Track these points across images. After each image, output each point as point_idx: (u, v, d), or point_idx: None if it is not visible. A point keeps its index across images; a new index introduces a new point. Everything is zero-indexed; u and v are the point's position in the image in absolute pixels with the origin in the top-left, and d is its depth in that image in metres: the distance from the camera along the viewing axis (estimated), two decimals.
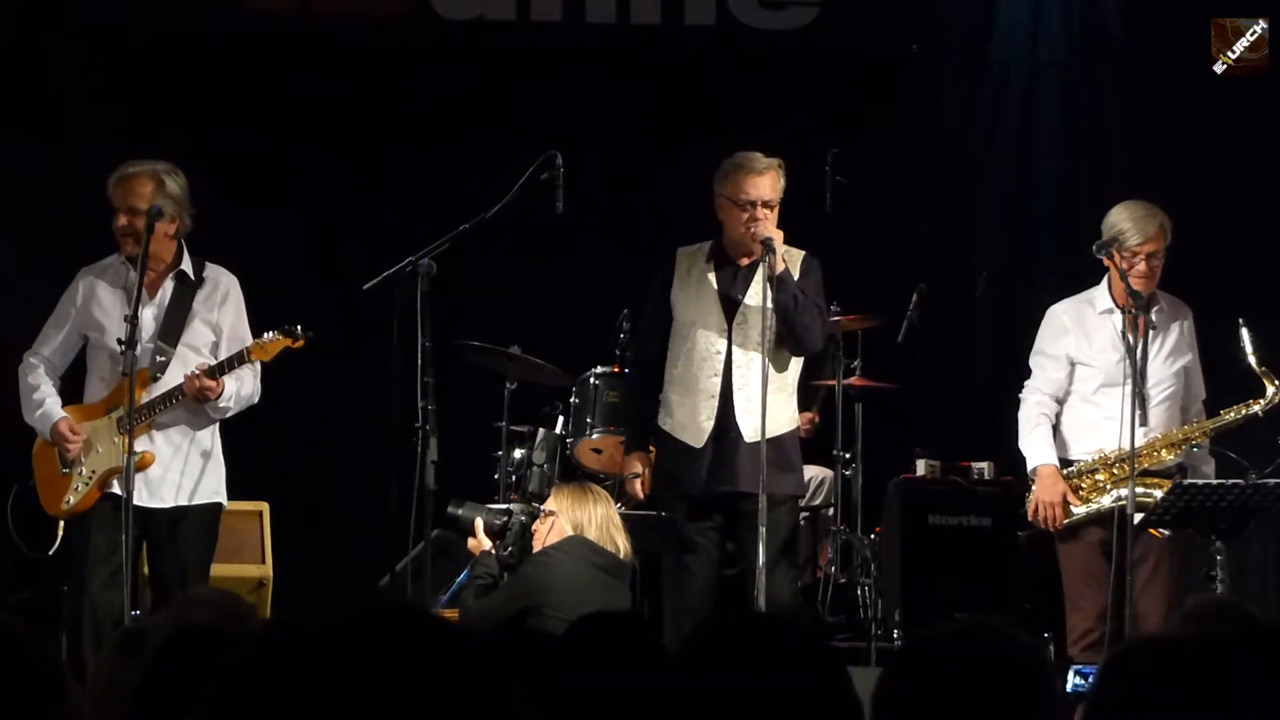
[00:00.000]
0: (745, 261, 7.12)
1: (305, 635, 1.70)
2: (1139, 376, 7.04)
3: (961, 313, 9.41)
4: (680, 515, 7.07)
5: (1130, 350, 7.17)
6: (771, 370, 6.97)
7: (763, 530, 6.75)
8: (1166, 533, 7.04)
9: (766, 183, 7.03)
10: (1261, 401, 7.17)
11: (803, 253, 7.17)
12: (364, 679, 1.66)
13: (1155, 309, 7.18)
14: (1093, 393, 7.29)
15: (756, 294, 7.00)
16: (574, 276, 9.38)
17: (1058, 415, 7.33)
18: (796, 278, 7.07)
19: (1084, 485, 7.23)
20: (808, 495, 8.36)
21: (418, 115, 9.58)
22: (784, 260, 7.01)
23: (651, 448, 7.33)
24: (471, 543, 6.94)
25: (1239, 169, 9.34)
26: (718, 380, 7.05)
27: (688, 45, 9.77)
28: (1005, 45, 9.88)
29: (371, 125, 9.57)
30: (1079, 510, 7.18)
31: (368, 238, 9.05)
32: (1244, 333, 7.13)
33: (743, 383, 7.01)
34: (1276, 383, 7.13)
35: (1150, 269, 7.19)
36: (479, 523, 6.90)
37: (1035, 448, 7.28)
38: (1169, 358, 7.28)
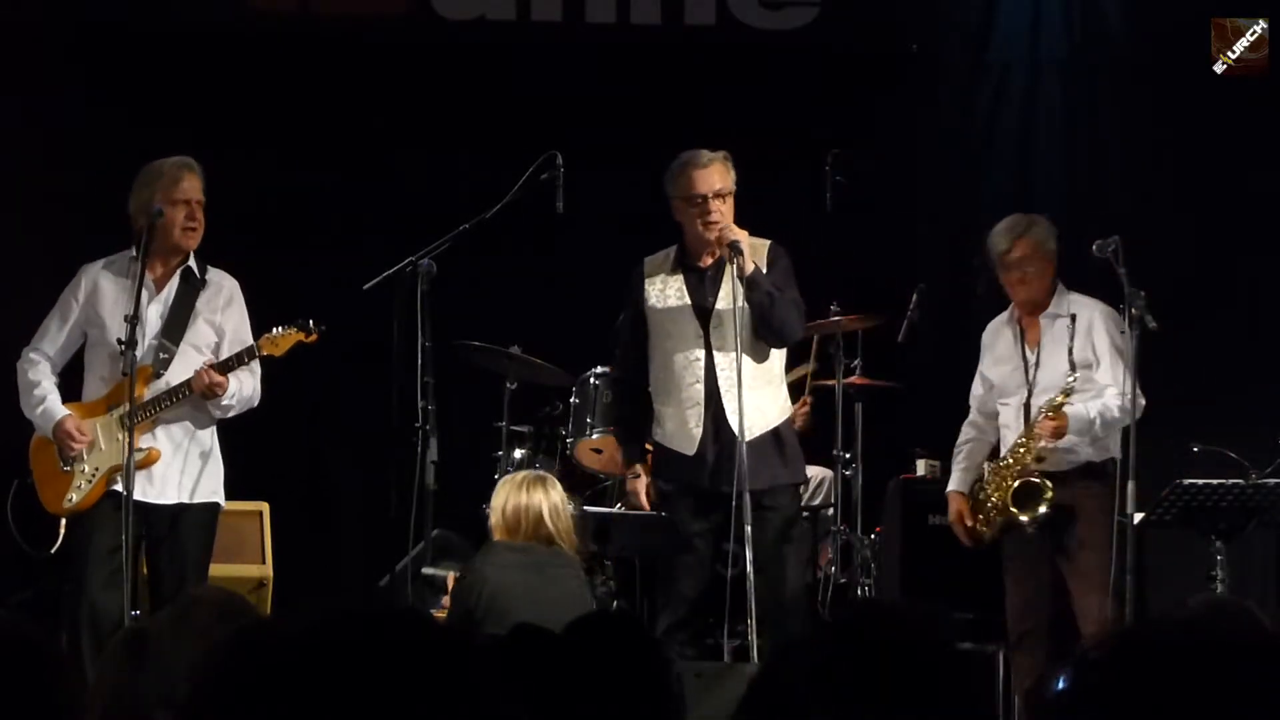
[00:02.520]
0: (709, 261, 7.07)
1: (295, 635, 1.70)
2: (1032, 386, 7.08)
3: (961, 313, 9.41)
4: (682, 515, 7.05)
5: (1025, 359, 7.22)
6: (753, 366, 6.96)
7: (748, 529, 6.71)
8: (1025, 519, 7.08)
9: (714, 174, 6.99)
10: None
11: (768, 242, 7.10)
12: (353, 680, 1.66)
13: (1049, 315, 7.18)
14: (999, 405, 7.34)
15: (727, 295, 6.96)
16: (574, 276, 9.38)
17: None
18: (765, 269, 7.02)
19: (982, 498, 7.29)
20: (807, 494, 8.34)
21: (418, 115, 9.57)
22: (753, 261, 6.96)
23: (648, 457, 7.32)
24: (445, 600, 6.93)
25: (1239, 169, 9.35)
26: (700, 387, 7.03)
27: (688, 45, 9.76)
28: (1005, 45, 9.88)
29: (371, 125, 9.57)
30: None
31: (368, 238, 9.05)
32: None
33: (728, 384, 6.97)
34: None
35: (1021, 276, 7.23)
36: (451, 579, 6.90)
37: (952, 477, 7.53)
38: (1062, 363, 7.19)
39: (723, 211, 6.96)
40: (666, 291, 7.11)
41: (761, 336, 7.00)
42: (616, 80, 9.68)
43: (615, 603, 7.60)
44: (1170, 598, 7.90)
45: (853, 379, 8.53)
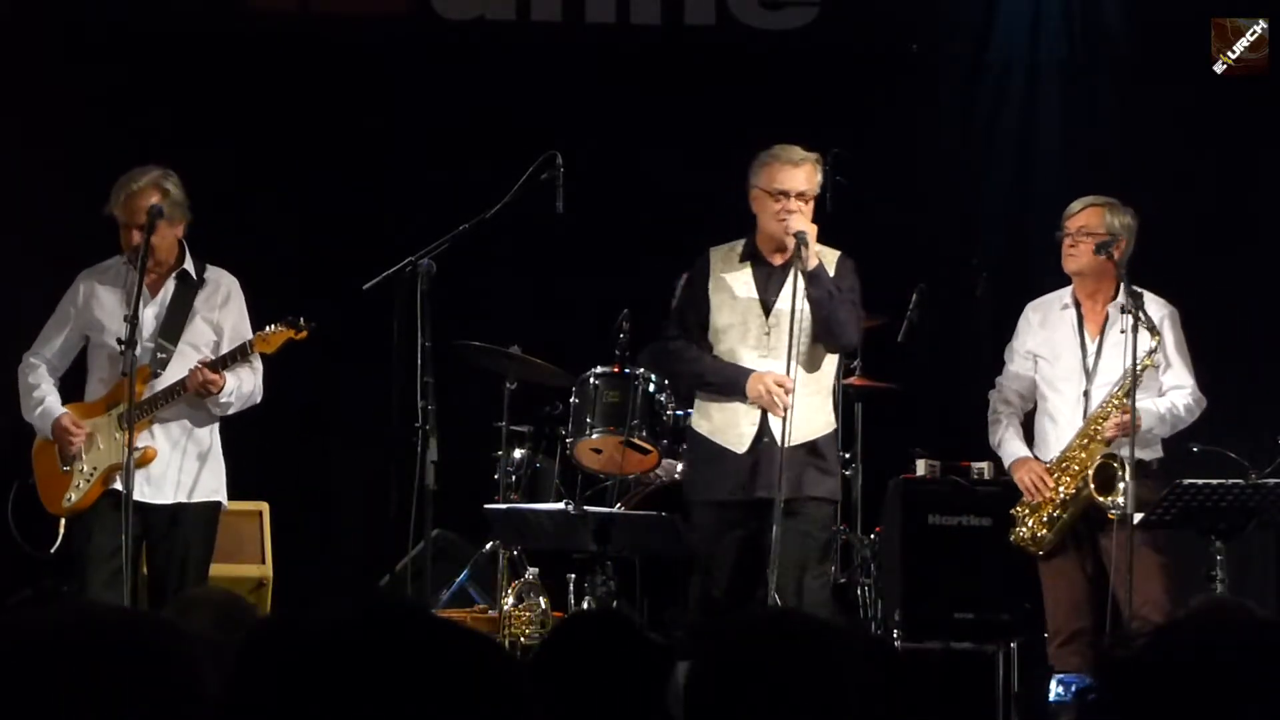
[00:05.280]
0: (779, 259, 7.01)
1: (305, 633, 1.70)
2: (1090, 375, 7.07)
3: (961, 313, 9.41)
4: (709, 519, 7.00)
5: (1084, 347, 7.19)
6: (804, 373, 6.91)
7: (777, 530, 6.66)
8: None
9: (801, 174, 6.94)
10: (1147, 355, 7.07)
11: (838, 252, 7.08)
12: (368, 677, 1.65)
13: (1115, 306, 7.15)
14: (1047, 390, 7.30)
15: (788, 295, 6.86)
16: (574, 276, 9.38)
17: (1029, 414, 7.40)
18: (831, 275, 6.98)
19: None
20: None
21: (417, 115, 9.57)
22: (817, 256, 6.92)
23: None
24: None
25: (1239, 169, 9.34)
26: None
27: (688, 45, 9.76)
28: (1005, 45, 9.87)
29: (371, 125, 9.57)
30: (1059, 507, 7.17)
31: (368, 238, 9.05)
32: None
33: None
34: (1157, 335, 7.01)
35: (1072, 243, 7.21)
36: None
37: (1008, 447, 7.36)
38: (1126, 356, 7.16)
39: (803, 212, 6.91)
40: (734, 283, 7.03)
41: (819, 338, 6.94)
42: (616, 80, 9.68)
43: (615, 603, 7.58)
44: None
45: (853, 379, 8.52)
